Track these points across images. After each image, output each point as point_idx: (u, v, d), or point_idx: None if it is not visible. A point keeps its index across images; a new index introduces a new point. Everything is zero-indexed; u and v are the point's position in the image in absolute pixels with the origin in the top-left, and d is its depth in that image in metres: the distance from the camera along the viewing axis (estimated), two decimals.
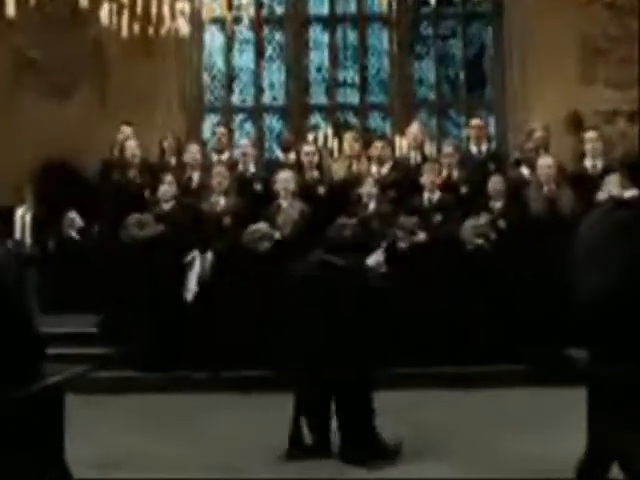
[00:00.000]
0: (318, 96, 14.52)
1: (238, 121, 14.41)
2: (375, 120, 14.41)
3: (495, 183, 9.99)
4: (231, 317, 9.52)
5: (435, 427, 7.69)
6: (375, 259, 7.35)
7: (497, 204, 9.98)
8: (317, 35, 14.52)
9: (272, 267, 9.39)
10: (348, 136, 11.31)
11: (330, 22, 14.47)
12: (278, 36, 14.52)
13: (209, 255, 9.73)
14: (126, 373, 9.58)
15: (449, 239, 9.77)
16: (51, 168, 12.78)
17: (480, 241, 9.72)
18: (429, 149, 11.38)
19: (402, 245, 9.70)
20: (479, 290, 9.61)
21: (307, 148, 10.74)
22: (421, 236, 9.79)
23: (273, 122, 14.42)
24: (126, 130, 11.00)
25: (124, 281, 9.77)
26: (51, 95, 13.42)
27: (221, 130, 11.30)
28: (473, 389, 9.01)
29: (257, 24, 14.17)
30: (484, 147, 10.96)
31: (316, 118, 14.30)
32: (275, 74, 14.49)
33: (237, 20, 14.02)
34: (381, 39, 14.48)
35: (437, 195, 10.06)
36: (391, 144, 11.44)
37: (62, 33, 13.45)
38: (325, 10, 14.54)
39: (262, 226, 9.76)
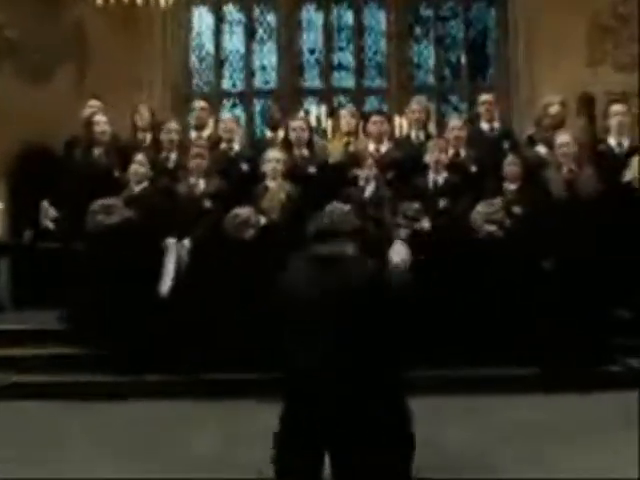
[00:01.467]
0: (312, 80, 12.79)
1: (228, 106, 12.63)
2: (372, 105, 12.60)
3: (510, 163, 8.19)
4: (212, 313, 7.75)
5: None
6: (399, 253, 5.32)
7: (511, 186, 8.19)
8: (311, 15, 12.78)
9: (258, 256, 7.66)
10: (344, 112, 9.43)
11: (324, 1, 12.69)
12: (270, 16, 12.76)
13: (186, 243, 7.94)
14: (92, 377, 7.78)
15: (457, 226, 7.98)
16: (27, 155, 11.11)
17: (492, 228, 7.94)
18: (433, 129, 9.50)
19: (403, 234, 7.92)
20: (490, 284, 7.82)
21: (295, 123, 8.84)
22: (425, 223, 8.00)
23: (265, 107, 12.51)
24: (94, 104, 9.14)
25: (90, 274, 7.97)
26: (28, 77, 11.68)
27: (201, 104, 9.42)
28: (485, 395, 7.25)
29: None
30: (496, 124, 9.11)
31: (310, 103, 12.51)
32: (266, 56, 12.76)
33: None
34: (378, 20, 12.74)
35: (443, 176, 8.26)
36: (390, 121, 9.56)
37: (41, 11, 11.71)
38: None
39: (246, 210, 7.96)
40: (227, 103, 12.64)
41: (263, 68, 12.72)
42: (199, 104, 9.34)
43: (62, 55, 11.86)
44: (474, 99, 11.96)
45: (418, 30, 12.73)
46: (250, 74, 12.65)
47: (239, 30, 12.74)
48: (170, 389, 7.58)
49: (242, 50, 12.69)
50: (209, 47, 12.72)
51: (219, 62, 12.64)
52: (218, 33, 12.67)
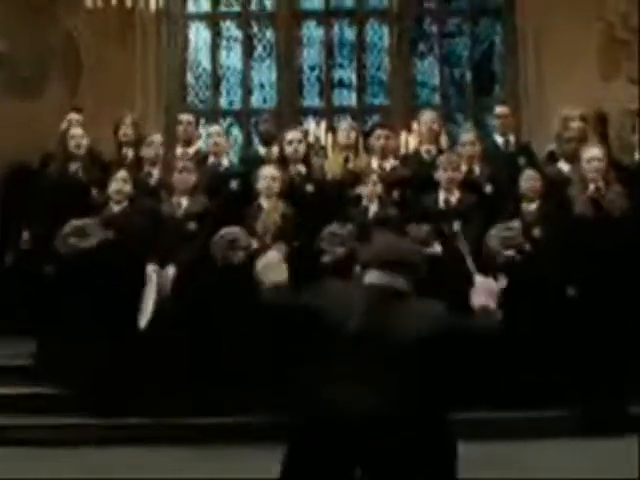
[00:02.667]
0: (312, 98, 11.49)
1: (225, 125, 11.34)
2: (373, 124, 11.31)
3: (529, 181, 6.95)
4: (197, 349, 6.51)
5: None
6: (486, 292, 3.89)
7: (531, 207, 6.95)
8: (311, 32, 11.50)
9: (249, 283, 6.39)
10: (343, 125, 8.17)
11: (325, 17, 11.45)
12: (268, 33, 11.50)
13: (169, 270, 6.69)
14: (63, 419, 6.53)
15: (473, 252, 6.73)
16: (12, 175, 9.86)
17: (511, 253, 6.70)
18: (445, 143, 8.22)
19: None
20: (509, 315, 6.54)
21: (291, 135, 7.58)
22: (436, 248, 6.76)
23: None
24: (73, 117, 7.90)
25: (62, 303, 6.71)
26: (18, 91, 10.46)
27: (187, 118, 8.18)
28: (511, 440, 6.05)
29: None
30: (512, 138, 7.86)
31: (310, 122, 11.23)
32: (265, 74, 11.46)
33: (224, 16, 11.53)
34: (381, 36, 11.46)
35: (456, 195, 7.02)
36: (395, 134, 8.31)
37: (31, 24, 10.57)
38: (320, 4, 11.52)
39: (235, 230, 6.72)
40: (224, 122, 11.37)
41: (261, 86, 11.48)
42: (185, 118, 8.11)
43: (53, 69, 10.67)
44: (480, 118, 11.01)
45: (422, 46, 11.50)
46: (248, 92, 11.40)
47: (237, 46, 11.51)
48: (149, 434, 6.35)
49: (240, 67, 11.44)
50: (205, 64, 11.48)
51: (216, 79, 11.40)
52: (215, 49, 11.43)
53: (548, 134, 9.87)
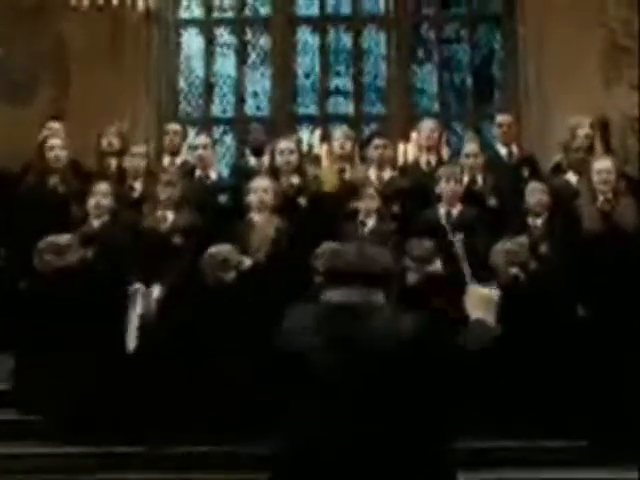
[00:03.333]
0: (307, 106, 10.88)
1: (218, 133, 10.75)
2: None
3: (535, 194, 6.36)
4: (185, 374, 5.88)
5: None
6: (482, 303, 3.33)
7: (538, 221, 6.35)
8: (306, 38, 10.89)
9: (242, 304, 5.84)
10: (338, 133, 7.48)
11: (321, 23, 10.85)
12: (263, 39, 10.88)
13: (155, 290, 6.09)
14: (41, 448, 5.89)
15: (476, 270, 6.12)
16: None
17: (515, 270, 6.10)
18: (446, 154, 7.57)
19: (412, 278, 6.08)
20: (514, 338, 5.95)
21: (283, 145, 6.92)
22: (437, 265, 6.16)
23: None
24: (53, 126, 7.27)
25: (39, 325, 6.09)
26: (8, 97, 9.84)
27: (173, 127, 7.57)
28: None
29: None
30: (514, 149, 7.24)
31: (305, 130, 10.64)
32: (259, 81, 10.86)
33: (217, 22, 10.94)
34: (378, 42, 10.85)
35: (458, 209, 6.42)
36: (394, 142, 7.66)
37: (21, 30, 9.96)
38: (315, 10, 10.91)
39: (226, 248, 6.11)
40: (217, 130, 10.77)
41: (255, 94, 10.87)
42: (172, 127, 7.48)
43: (43, 75, 10.05)
44: (479, 126, 10.44)
45: (420, 53, 10.90)
46: (241, 100, 10.79)
47: (230, 53, 10.90)
48: (134, 462, 5.75)
49: (233, 74, 10.83)
50: (198, 71, 10.87)
51: (209, 87, 10.80)
52: (208, 56, 10.82)
53: (549, 143, 9.32)
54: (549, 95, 9.96)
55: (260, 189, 6.29)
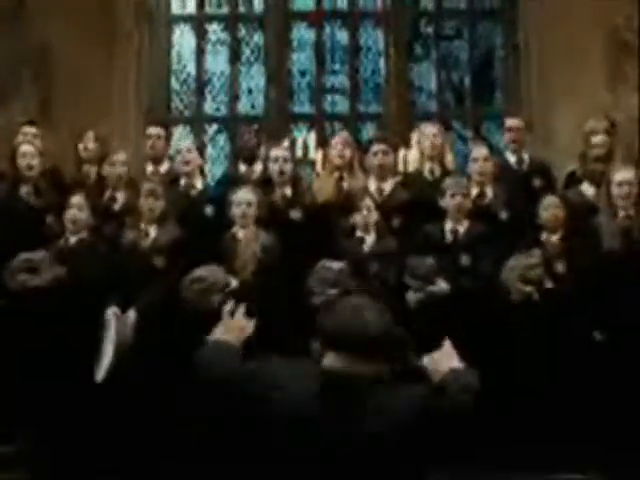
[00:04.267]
0: (302, 104, 10.01)
1: (211, 133, 9.94)
2: (368, 132, 9.87)
3: (550, 209, 5.57)
4: (164, 407, 5.11)
5: None
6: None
7: (553, 238, 5.58)
8: (301, 35, 10.03)
9: None
10: (336, 139, 6.54)
11: (316, 19, 9.96)
12: (257, 36, 10.01)
13: (131, 314, 5.31)
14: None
15: (484, 289, 5.37)
16: None
17: (529, 289, 5.34)
18: (451, 162, 6.71)
19: (414, 299, 5.32)
20: (528, 363, 5.22)
21: (276, 152, 6.09)
22: (442, 286, 5.40)
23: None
24: (29, 131, 6.44)
25: (7, 350, 5.32)
26: None
27: (155, 131, 6.66)
28: None
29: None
30: (525, 156, 6.43)
31: (300, 130, 9.84)
32: (253, 79, 9.97)
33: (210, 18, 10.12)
34: (375, 39, 9.99)
35: (465, 224, 5.65)
36: (395, 150, 6.81)
37: (2, 29, 9.06)
38: (311, 5, 10.03)
39: (211, 270, 5.33)
40: (210, 129, 9.98)
41: (249, 92, 10.01)
42: (154, 131, 6.57)
43: (26, 76, 9.21)
44: (479, 126, 9.69)
45: (418, 49, 10.05)
46: (235, 98, 9.94)
47: (223, 50, 10.03)
48: None
49: (227, 72, 9.96)
50: (190, 68, 10.00)
51: (201, 85, 9.95)
52: (200, 53, 9.96)
53: (554, 145, 8.55)
54: (553, 94, 9.18)
55: (242, 202, 5.49)
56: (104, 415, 5.13)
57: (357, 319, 2.53)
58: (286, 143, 7.71)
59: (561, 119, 8.96)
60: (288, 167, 5.83)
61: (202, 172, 6.11)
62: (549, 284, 5.38)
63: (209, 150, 9.82)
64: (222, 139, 9.91)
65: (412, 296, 5.32)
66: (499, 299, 5.35)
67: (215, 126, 9.94)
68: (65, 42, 9.13)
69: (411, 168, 7.10)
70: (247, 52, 10.03)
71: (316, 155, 7.53)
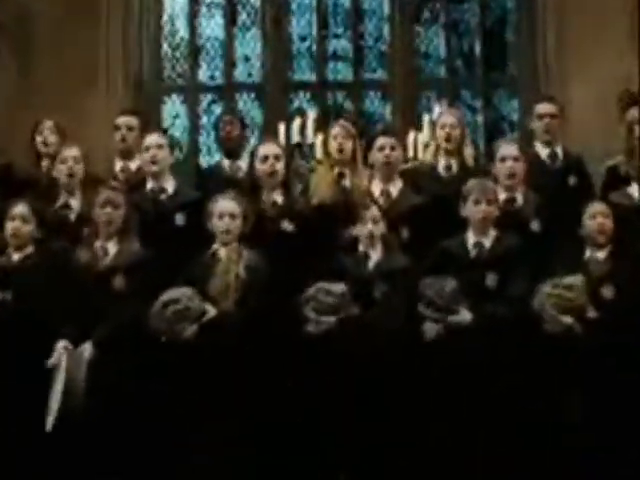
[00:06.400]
0: (303, 72, 8.62)
1: (205, 103, 8.56)
2: (372, 102, 8.56)
3: (597, 217, 4.16)
4: (125, 460, 3.82)
5: None
6: None
7: (599, 255, 4.19)
8: None
9: (202, 369, 3.81)
10: (336, 129, 4.83)
11: None
12: None
13: (86, 348, 3.96)
14: None
15: (515, 319, 4.01)
16: None
17: (570, 320, 3.98)
18: (471, 156, 5.04)
19: (430, 332, 3.97)
20: (567, 410, 3.91)
21: (265, 149, 4.54)
22: (465, 316, 4.03)
23: (248, 104, 8.53)
24: None
25: None
26: None
27: (125, 120, 5.01)
28: None
29: None
30: (559, 149, 4.95)
31: (300, 99, 8.50)
32: (250, 45, 8.57)
33: None
34: (380, 1, 8.52)
35: (492, 236, 4.24)
36: (401, 139, 5.30)
37: None
38: None
39: (184, 294, 3.98)
40: (204, 99, 8.56)
41: (246, 58, 8.60)
42: (123, 120, 4.98)
43: (4, 46, 7.79)
44: (490, 95, 8.31)
45: (426, 13, 8.59)
46: (231, 65, 8.54)
47: (218, 13, 8.60)
48: None
49: (221, 37, 8.58)
50: (183, 33, 8.58)
51: (195, 50, 8.52)
52: (193, 17, 8.52)
53: (571, 119, 7.04)
54: (572, 63, 7.74)
55: (225, 213, 4.10)
56: (53, 470, 3.86)
57: None
58: (281, 128, 6.25)
59: (580, 87, 7.56)
60: (279, 166, 4.38)
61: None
62: (593, 313, 4.01)
63: (203, 121, 8.48)
64: (217, 109, 8.50)
65: (429, 328, 3.97)
66: (532, 331, 4.00)
67: (209, 95, 8.62)
68: (45, 6, 7.75)
69: (421, 154, 5.69)
70: (243, 15, 8.66)
71: (315, 138, 6.02)
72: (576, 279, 4.03)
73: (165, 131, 8.26)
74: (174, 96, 8.56)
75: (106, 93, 7.84)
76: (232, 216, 4.08)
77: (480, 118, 8.42)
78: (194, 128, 8.46)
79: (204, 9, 8.63)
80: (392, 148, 4.56)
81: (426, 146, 5.62)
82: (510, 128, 8.42)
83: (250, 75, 8.65)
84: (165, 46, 8.54)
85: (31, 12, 7.83)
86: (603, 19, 7.70)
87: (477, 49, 8.50)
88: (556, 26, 7.95)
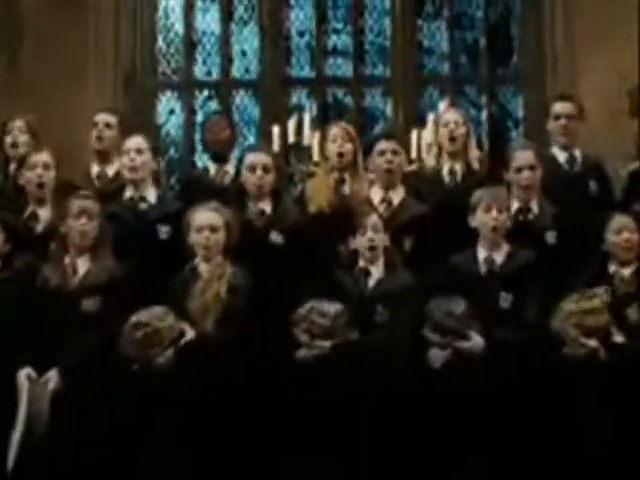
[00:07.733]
0: (301, 68, 8.06)
1: (201, 99, 8.00)
2: (373, 99, 8.01)
3: (622, 232, 3.59)
4: None
5: None
6: None
7: (625, 272, 3.62)
8: None
9: (179, 397, 3.30)
10: (335, 130, 4.25)
11: None
12: None
13: (51, 378, 3.41)
14: None
15: (532, 344, 3.46)
16: None
17: (593, 344, 3.43)
18: (477, 155, 4.55)
19: (437, 359, 3.41)
20: (591, 442, 3.36)
21: (253, 158, 3.92)
22: (476, 341, 3.46)
23: (245, 100, 8.01)
24: None
25: None
26: None
27: (103, 118, 4.42)
28: None
29: None
30: (578, 153, 4.35)
31: (299, 96, 7.95)
32: (247, 40, 8.01)
33: None
34: None
35: (504, 252, 3.68)
36: (403, 142, 4.70)
37: None
38: None
39: (153, 313, 3.43)
40: (200, 95, 8.02)
41: (243, 53, 8.05)
42: (101, 118, 4.38)
43: None
44: (495, 91, 7.76)
45: (429, 7, 8.02)
46: (228, 61, 7.98)
47: (214, 7, 8.01)
48: None
49: (218, 32, 8.00)
50: (178, 27, 8.00)
51: (190, 46, 7.95)
52: (189, 11, 7.94)
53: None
54: (581, 57, 7.19)
55: (206, 226, 3.54)
56: None
57: None
58: (275, 130, 5.68)
59: (588, 83, 7.02)
60: (269, 178, 3.79)
61: (157, 180, 4.01)
62: (619, 337, 3.45)
63: (199, 118, 7.94)
64: (213, 106, 7.97)
65: (436, 355, 3.41)
66: (551, 357, 3.44)
67: (206, 92, 8.04)
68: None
69: (425, 153, 5.12)
70: (240, 9, 8.08)
71: (312, 139, 5.43)
72: (600, 297, 3.47)
73: (159, 128, 7.84)
74: (169, 93, 8.02)
75: (97, 90, 7.29)
76: (212, 229, 3.51)
77: (484, 115, 7.90)
78: (190, 125, 7.94)
79: (200, 3, 8.06)
80: (394, 153, 3.97)
81: (429, 147, 5.04)
82: (515, 125, 7.90)
83: (247, 71, 8.09)
84: (160, 41, 8.00)
85: (20, 5, 7.33)
86: (612, 12, 7.16)
87: (481, 44, 7.97)
88: (563, 19, 7.42)
